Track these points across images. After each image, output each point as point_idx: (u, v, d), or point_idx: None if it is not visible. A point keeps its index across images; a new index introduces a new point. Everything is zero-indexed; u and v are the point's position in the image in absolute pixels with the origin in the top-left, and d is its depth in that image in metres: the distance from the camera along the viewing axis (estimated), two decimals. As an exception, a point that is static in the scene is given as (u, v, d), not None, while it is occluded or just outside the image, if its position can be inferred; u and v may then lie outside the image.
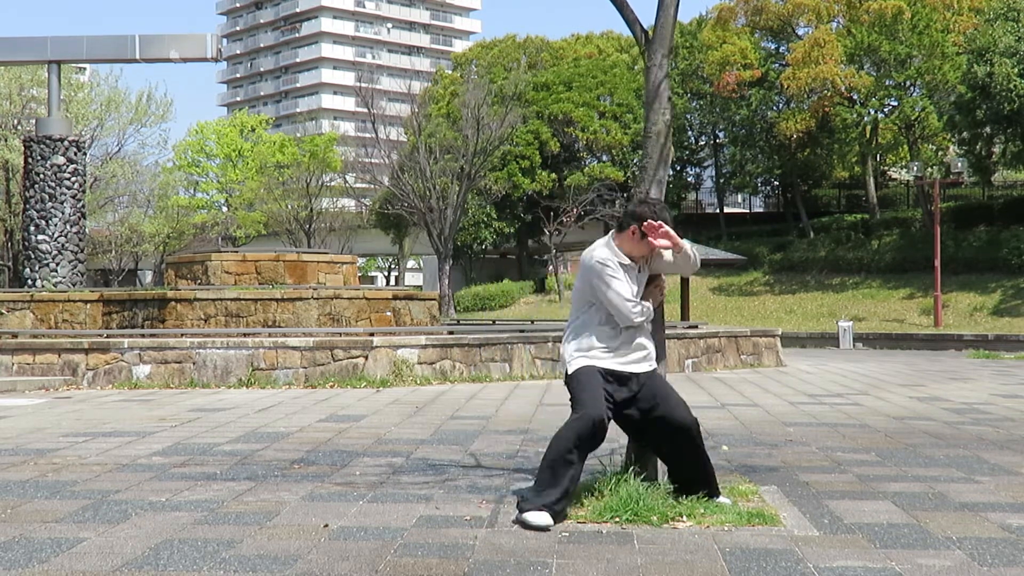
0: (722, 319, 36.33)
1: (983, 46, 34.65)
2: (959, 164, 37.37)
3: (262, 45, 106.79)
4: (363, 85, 49.04)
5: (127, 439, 7.92)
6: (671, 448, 5.18)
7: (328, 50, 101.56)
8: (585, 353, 5.11)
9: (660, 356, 5.41)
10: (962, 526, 4.83)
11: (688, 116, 53.01)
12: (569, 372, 5.13)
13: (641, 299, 5.13)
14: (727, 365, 17.31)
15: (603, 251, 5.12)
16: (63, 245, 24.50)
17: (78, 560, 4.23)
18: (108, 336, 14.14)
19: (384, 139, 47.87)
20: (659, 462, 5.34)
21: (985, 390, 12.84)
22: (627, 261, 5.11)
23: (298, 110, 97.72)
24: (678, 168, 55.46)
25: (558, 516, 4.82)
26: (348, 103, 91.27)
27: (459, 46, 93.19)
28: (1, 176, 42.77)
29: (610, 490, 5.06)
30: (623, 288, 5.05)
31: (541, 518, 4.74)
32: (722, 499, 5.18)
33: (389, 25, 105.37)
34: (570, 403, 5.06)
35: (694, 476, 5.19)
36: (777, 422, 9.18)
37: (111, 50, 26.26)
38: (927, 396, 11.97)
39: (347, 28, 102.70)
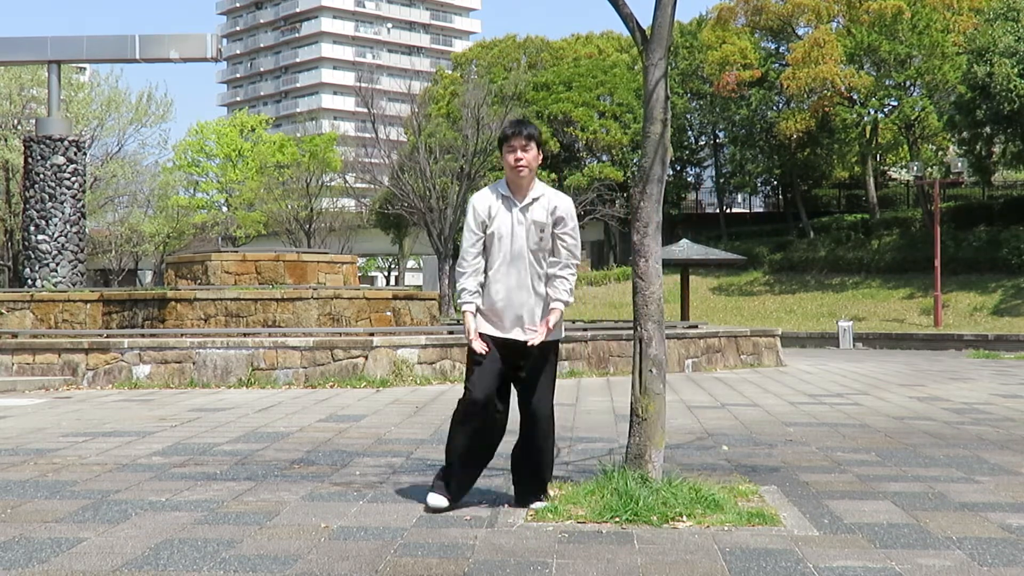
0: (722, 319, 36.33)
1: (983, 46, 34.66)
2: (959, 164, 37.38)
3: (262, 45, 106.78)
4: (363, 85, 48.97)
5: (127, 439, 7.92)
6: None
7: (328, 50, 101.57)
8: None
9: (661, 356, 5.41)
10: (962, 526, 4.83)
11: (688, 116, 53.01)
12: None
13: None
14: (727, 365, 17.31)
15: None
16: (63, 245, 24.50)
17: (78, 560, 4.23)
18: (108, 336, 14.13)
19: (384, 139, 47.81)
20: (660, 462, 5.34)
21: (985, 390, 12.84)
22: (506, 192, 5.17)
23: (298, 110, 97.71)
24: (678, 168, 55.46)
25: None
26: (348, 103, 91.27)
27: (459, 46, 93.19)
28: (1, 176, 42.77)
29: (610, 490, 5.06)
30: (465, 240, 5.16)
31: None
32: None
33: (389, 25, 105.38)
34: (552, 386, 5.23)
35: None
36: (777, 422, 9.18)
37: (111, 50, 26.26)
38: (927, 396, 11.97)
39: (347, 28, 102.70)
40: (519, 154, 5.08)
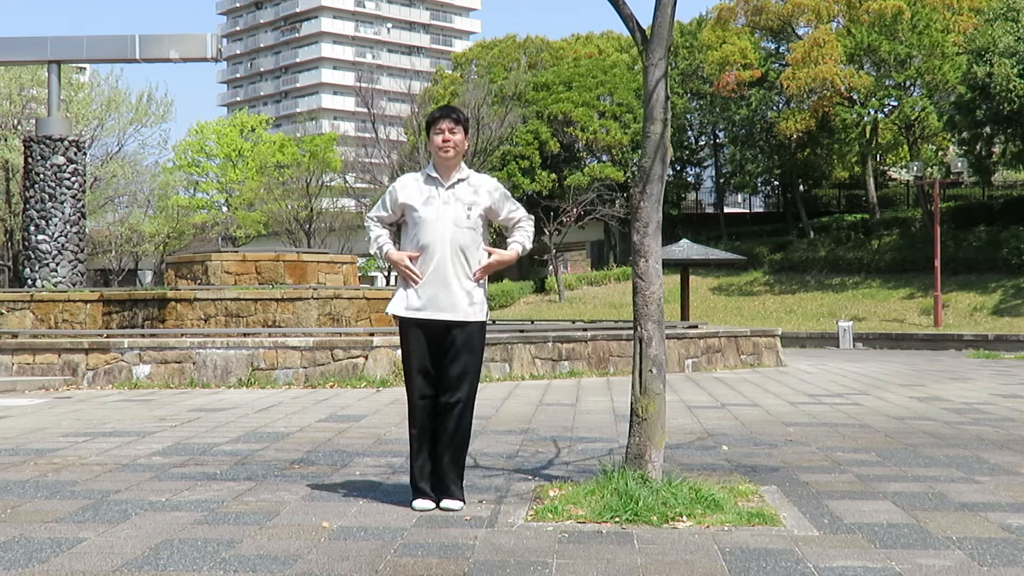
0: (722, 319, 36.33)
1: (983, 46, 34.67)
2: (959, 164, 37.41)
3: (262, 45, 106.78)
4: (363, 85, 49.04)
5: (127, 439, 7.92)
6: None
7: (328, 50, 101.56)
8: None
9: (661, 356, 5.41)
10: (962, 526, 4.83)
11: (688, 116, 53.03)
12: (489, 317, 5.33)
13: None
14: (727, 365, 17.31)
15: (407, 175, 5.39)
16: (63, 245, 24.49)
17: (78, 560, 4.23)
18: (108, 336, 14.13)
19: (384, 139, 47.87)
20: (660, 462, 5.34)
21: (985, 390, 12.85)
22: (434, 174, 5.22)
23: (298, 110, 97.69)
24: (678, 168, 55.47)
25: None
26: (348, 103, 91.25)
27: (459, 46, 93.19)
28: (1, 176, 42.77)
29: (610, 490, 5.06)
30: (374, 210, 5.31)
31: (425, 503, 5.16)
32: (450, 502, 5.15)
33: (389, 25, 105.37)
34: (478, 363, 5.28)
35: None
36: (777, 422, 9.18)
37: (111, 50, 26.23)
38: (927, 396, 11.97)
39: (347, 28, 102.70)
40: (447, 135, 5.17)
